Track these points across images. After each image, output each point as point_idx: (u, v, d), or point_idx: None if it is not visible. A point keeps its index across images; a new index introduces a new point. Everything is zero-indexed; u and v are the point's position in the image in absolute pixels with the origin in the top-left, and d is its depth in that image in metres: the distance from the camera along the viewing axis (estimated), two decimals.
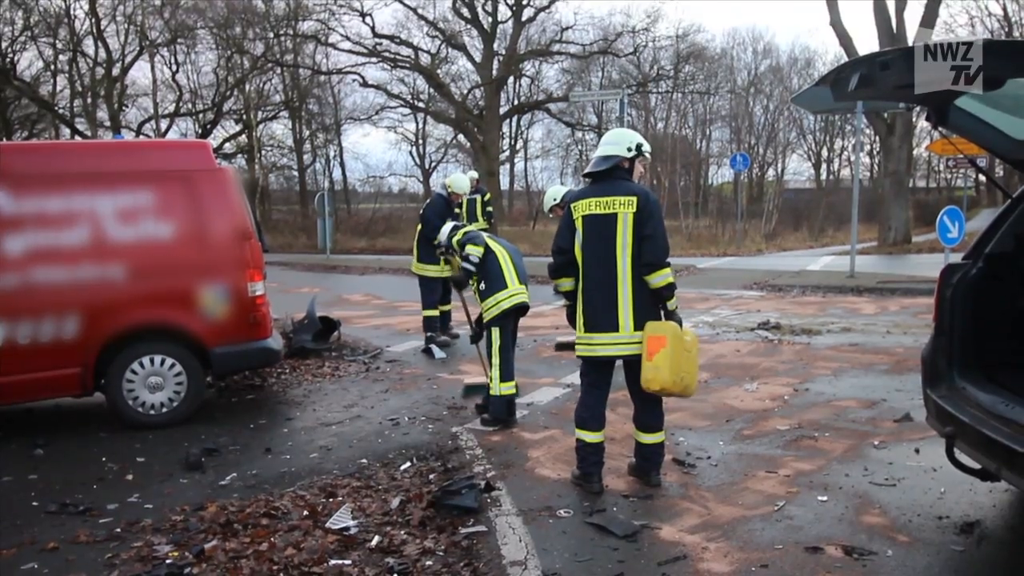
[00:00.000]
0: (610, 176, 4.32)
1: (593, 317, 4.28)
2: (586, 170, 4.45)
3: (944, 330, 3.93)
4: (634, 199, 4.21)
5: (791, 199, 41.69)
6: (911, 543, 3.61)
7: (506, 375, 5.73)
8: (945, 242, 11.67)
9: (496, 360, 5.72)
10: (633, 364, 4.29)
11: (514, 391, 5.83)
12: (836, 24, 21.89)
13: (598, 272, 4.25)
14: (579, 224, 4.27)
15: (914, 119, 23.32)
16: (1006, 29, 29.76)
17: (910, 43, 3.42)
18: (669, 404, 6.16)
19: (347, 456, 5.25)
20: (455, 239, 6.13)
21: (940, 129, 4.01)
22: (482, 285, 5.83)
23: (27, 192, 5.66)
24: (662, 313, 4.33)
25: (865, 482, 4.39)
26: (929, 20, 21.30)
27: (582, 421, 4.40)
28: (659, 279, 4.21)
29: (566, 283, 4.46)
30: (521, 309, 5.87)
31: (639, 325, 4.21)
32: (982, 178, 39.58)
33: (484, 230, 10.82)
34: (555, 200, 6.27)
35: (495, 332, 5.77)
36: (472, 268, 5.88)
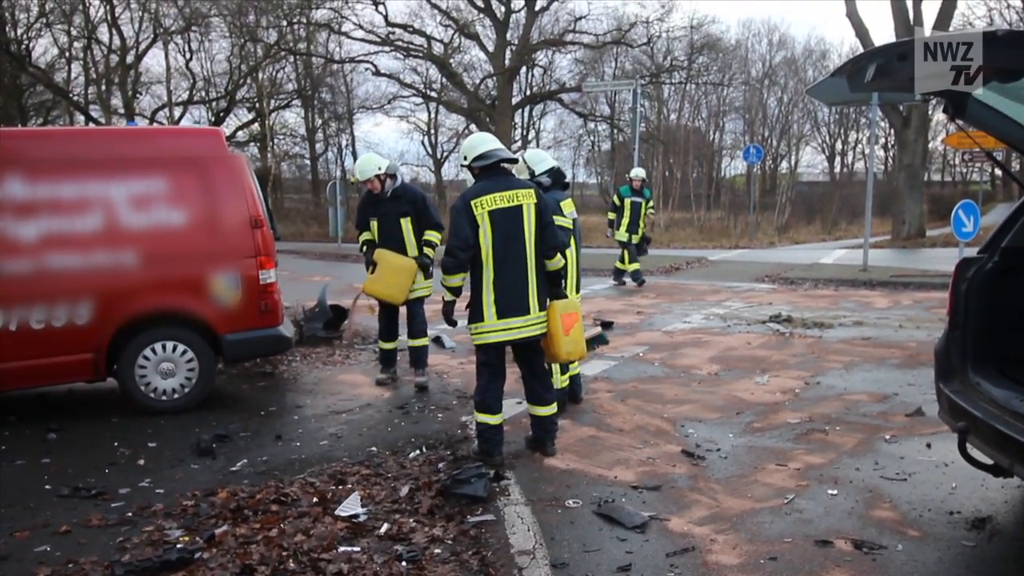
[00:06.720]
0: (502, 172, 4.67)
1: (506, 303, 4.57)
2: (498, 160, 4.61)
3: (958, 324, 3.89)
4: (532, 191, 4.65)
5: (804, 192, 41.49)
6: (922, 538, 3.60)
7: None
8: (960, 236, 11.55)
9: None
10: (532, 344, 4.72)
11: None
12: (852, 15, 21.69)
13: (509, 261, 4.56)
14: (485, 219, 4.50)
15: (930, 112, 23.10)
16: None
17: (927, 34, 3.37)
18: (679, 397, 6.19)
19: (357, 444, 5.27)
20: None
21: (957, 121, 3.96)
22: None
23: (41, 178, 5.69)
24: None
25: (876, 476, 4.37)
26: (947, 12, 21.07)
27: (487, 407, 4.65)
28: (559, 261, 4.75)
29: (460, 278, 4.68)
30: None
31: (542, 306, 4.67)
32: (997, 173, 39.21)
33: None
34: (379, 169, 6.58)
35: None
36: None
